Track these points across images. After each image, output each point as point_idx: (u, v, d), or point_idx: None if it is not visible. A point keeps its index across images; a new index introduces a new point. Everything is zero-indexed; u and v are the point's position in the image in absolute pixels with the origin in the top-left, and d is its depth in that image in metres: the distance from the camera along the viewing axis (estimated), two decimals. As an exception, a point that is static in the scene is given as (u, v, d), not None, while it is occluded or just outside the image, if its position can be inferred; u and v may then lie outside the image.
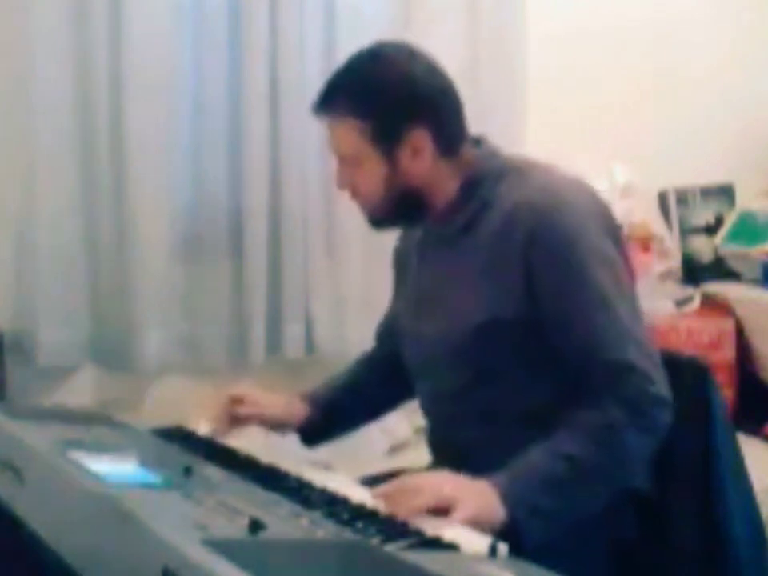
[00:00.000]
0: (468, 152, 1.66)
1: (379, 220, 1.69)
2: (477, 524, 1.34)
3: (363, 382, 1.90)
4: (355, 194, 1.67)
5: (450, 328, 1.62)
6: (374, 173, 1.62)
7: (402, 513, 1.31)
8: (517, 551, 1.24)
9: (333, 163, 1.69)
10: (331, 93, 1.63)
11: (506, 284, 1.55)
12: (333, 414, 1.84)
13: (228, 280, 2.72)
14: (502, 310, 1.55)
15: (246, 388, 1.85)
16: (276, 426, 1.81)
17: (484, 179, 1.64)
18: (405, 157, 1.60)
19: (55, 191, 2.50)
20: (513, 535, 1.37)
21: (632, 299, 1.57)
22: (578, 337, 1.51)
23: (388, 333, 1.86)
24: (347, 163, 1.64)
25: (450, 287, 1.65)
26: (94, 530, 1.17)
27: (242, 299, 2.69)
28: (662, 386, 1.50)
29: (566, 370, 1.54)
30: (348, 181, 1.66)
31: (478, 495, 1.39)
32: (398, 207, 1.64)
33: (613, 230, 1.60)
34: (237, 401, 1.76)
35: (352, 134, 1.60)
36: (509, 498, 1.40)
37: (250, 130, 2.65)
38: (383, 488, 1.38)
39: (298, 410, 1.81)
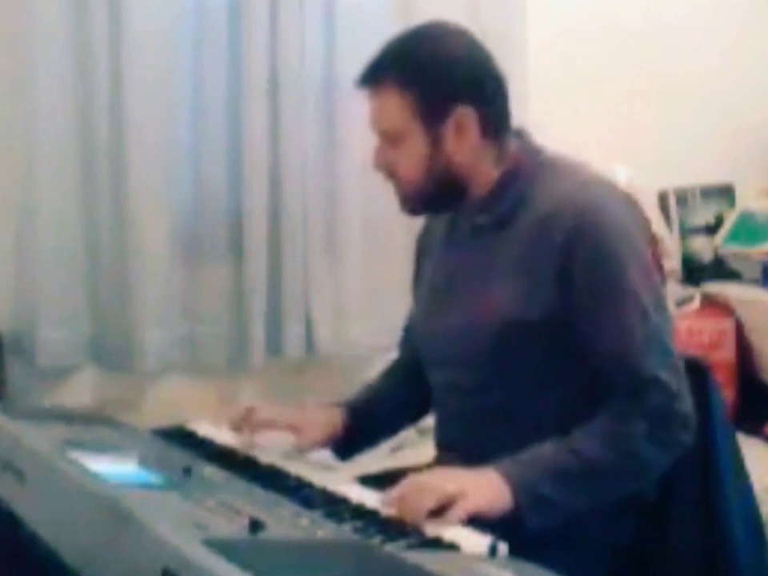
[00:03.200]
0: (510, 142, 1.64)
1: (414, 203, 1.65)
2: (484, 512, 1.35)
3: (393, 390, 1.87)
4: (393, 173, 1.63)
5: (475, 323, 1.59)
6: (417, 150, 1.59)
7: (410, 517, 1.31)
8: (520, 538, 1.25)
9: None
10: (379, 65, 1.61)
11: (538, 282, 1.53)
12: (367, 426, 1.80)
13: (228, 280, 2.71)
14: (530, 309, 1.53)
15: (297, 415, 1.78)
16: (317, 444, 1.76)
17: (524, 173, 1.61)
18: (449, 134, 1.59)
19: (55, 191, 2.50)
20: (514, 521, 1.39)
21: (665, 308, 1.56)
22: (611, 342, 1.50)
23: (413, 336, 1.83)
24: (389, 140, 1.61)
25: (478, 280, 1.62)
26: (94, 530, 1.17)
27: (242, 299, 2.69)
28: (686, 402, 1.51)
29: (585, 375, 1.53)
30: (386, 159, 1.63)
31: (483, 485, 1.39)
32: (436, 189, 1.62)
33: (647, 233, 1.61)
34: (296, 428, 1.72)
35: (398, 107, 1.58)
36: (513, 483, 1.41)
37: (250, 130, 2.65)
38: (390, 494, 1.37)
39: (339, 423, 1.77)
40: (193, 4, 2.64)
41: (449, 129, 1.59)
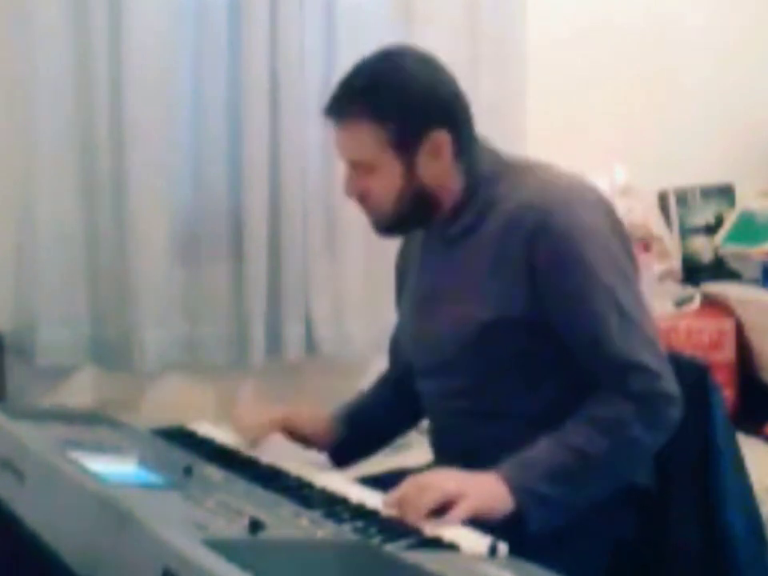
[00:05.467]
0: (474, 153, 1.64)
1: (387, 227, 1.66)
2: (484, 513, 1.36)
3: (385, 399, 1.87)
4: (365, 200, 1.63)
5: (457, 327, 1.61)
6: (390, 178, 1.58)
7: (412, 515, 1.31)
8: (520, 538, 1.25)
9: (340, 168, 1.66)
10: (346, 97, 1.59)
11: (511, 283, 1.54)
12: (361, 433, 1.81)
13: (228, 280, 2.71)
14: (507, 308, 1.55)
15: (285, 410, 1.78)
16: (301, 439, 1.77)
17: (486, 179, 1.62)
18: (423, 160, 1.58)
19: (55, 191, 2.50)
20: (517, 522, 1.40)
21: (639, 295, 1.57)
22: (587, 335, 1.52)
23: (399, 348, 1.84)
24: (360, 169, 1.60)
25: (455, 287, 1.63)
26: (94, 530, 1.17)
27: (242, 299, 2.69)
28: (670, 382, 1.51)
29: (571, 370, 1.54)
30: (359, 187, 1.62)
31: (483, 486, 1.40)
32: (409, 212, 1.62)
33: (617, 226, 1.60)
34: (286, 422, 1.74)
35: (369, 138, 1.56)
36: (513, 485, 1.41)
37: (250, 130, 2.65)
38: (392, 495, 1.38)
39: (324, 426, 1.78)
40: (193, 4, 2.64)
41: (423, 154, 1.58)
